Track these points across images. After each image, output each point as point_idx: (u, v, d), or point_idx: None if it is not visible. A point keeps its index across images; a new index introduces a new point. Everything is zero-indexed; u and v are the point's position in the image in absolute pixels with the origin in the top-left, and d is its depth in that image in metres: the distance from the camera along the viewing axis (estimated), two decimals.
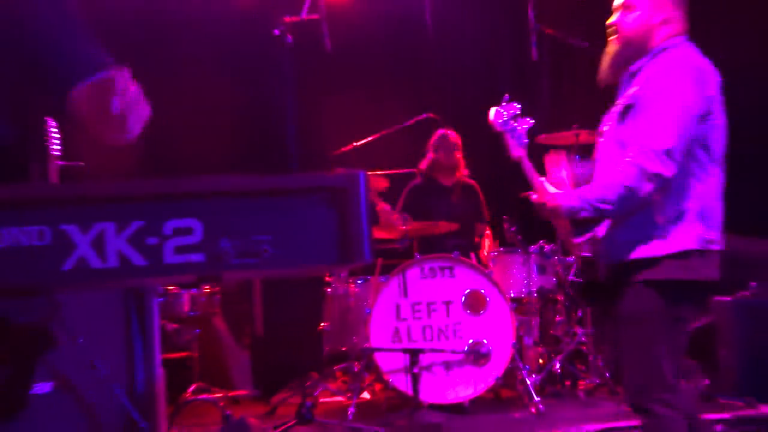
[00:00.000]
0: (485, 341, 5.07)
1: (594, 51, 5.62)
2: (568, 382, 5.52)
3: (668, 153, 2.86)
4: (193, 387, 5.78)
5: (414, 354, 4.71)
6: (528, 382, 4.99)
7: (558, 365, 5.42)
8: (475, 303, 5.14)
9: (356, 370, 5.33)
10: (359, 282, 5.53)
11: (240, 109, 6.55)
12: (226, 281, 5.66)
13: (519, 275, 5.51)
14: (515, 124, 3.20)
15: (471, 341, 5.07)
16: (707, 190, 3.02)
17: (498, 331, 5.10)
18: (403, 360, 4.86)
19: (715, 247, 3.00)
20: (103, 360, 3.40)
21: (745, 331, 5.00)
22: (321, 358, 5.72)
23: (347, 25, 5.88)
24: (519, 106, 3.19)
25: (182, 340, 5.89)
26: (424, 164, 5.97)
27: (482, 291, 5.15)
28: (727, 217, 3.06)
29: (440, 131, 5.93)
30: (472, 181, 6.08)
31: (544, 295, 5.49)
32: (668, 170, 2.86)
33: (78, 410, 3.36)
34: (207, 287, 5.86)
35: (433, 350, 4.97)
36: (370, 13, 6.78)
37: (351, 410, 4.94)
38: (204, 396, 5.78)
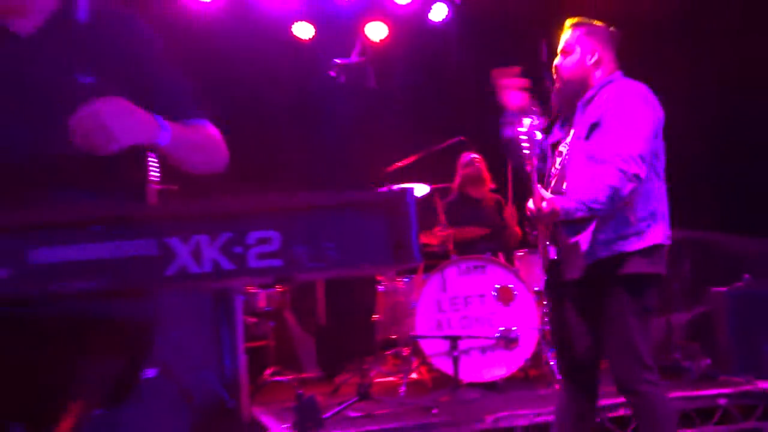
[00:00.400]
0: (514, 328, 5.04)
1: None
2: None
3: (641, 157, 2.90)
4: (269, 371, 5.83)
5: (454, 340, 4.72)
6: (552, 363, 4.95)
7: None
8: (504, 296, 5.12)
9: (405, 354, 5.35)
10: (405, 280, 5.55)
11: (307, 136, 6.60)
12: (297, 281, 5.72)
13: (541, 272, 5.46)
14: (536, 135, 3.13)
15: (502, 328, 5.04)
16: (663, 193, 3.08)
17: (525, 320, 5.07)
18: (444, 345, 4.86)
19: (669, 242, 3.07)
20: (197, 349, 3.45)
21: (740, 317, 4.95)
22: (375, 344, 5.74)
23: (387, 63, 5.91)
24: (543, 119, 3.17)
25: (260, 331, 5.96)
26: (456, 182, 5.96)
27: (510, 285, 5.13)
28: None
29: (467, 153, 5.91)
30: (497, 195, 6.05)
31: None
32: (643, 171, 2.90)
33: (177, 391, 3.41)
34: (280, 287, 5.91)
35: (469, 337, 4.97)
36: (406, 53, 6.80)
37: (402, 389, 4.96)
38: (278, 378, 5.83)
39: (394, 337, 5.54)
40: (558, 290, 3.19)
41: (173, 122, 1.82)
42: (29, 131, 1.75)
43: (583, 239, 2.99)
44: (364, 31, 6.56)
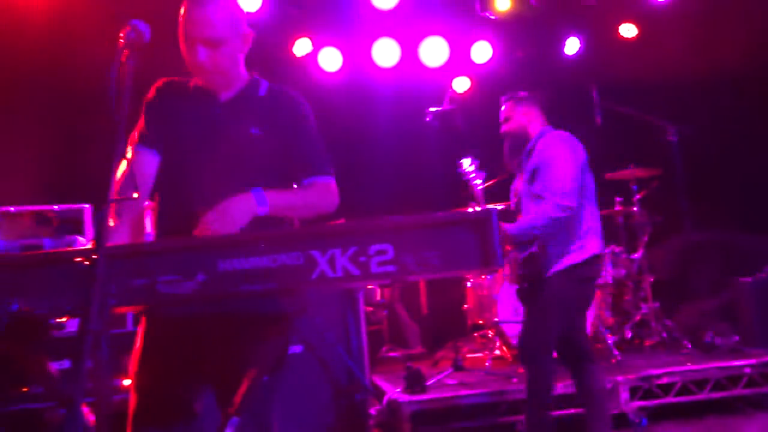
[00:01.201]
0: None
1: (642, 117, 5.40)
2: (636, 341, 5.23)
3: (572, 191, 3.01)
4: (384, 348, 5.90)
5: None
6: (609, 341, 4.78)
7: (629, 329, 5.17)
8: None
9: (489, 336, 5.29)
10: (488, 277, 5.47)
11: (407, 168, 6.64)
12: (407, 283, 5.78)
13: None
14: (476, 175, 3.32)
15: None
16: (595, 214, 3.15)
17: None
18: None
19: (604, 251, 3.29)
20: (331, 331, 3.57)
21: (762, 301, 4.85)
22: (466, 328, 5.71)
23: (472, 108, 5.87)
24: (477, 161, 3.33)
25: (376, 318, 6.03)
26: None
27: None
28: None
29: None
30: None
31: (617, 281, 5.25)
32: (574, 202, 3.01)
33: (317, 364, 3.53)
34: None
35: None
36: (486, 99, 6.73)
37: (487, 363, 4.90)
38: (391, 354, 5.89)
39: (480, 322, 5.48)
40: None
41: (300, 177, 1.97)
42: (212, 164, 1.90)
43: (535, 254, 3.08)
44: (452, 85, 6.59)
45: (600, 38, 6.58)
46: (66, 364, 2.85)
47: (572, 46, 6.57)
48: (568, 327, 3.14)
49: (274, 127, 1.94)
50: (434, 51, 6.53)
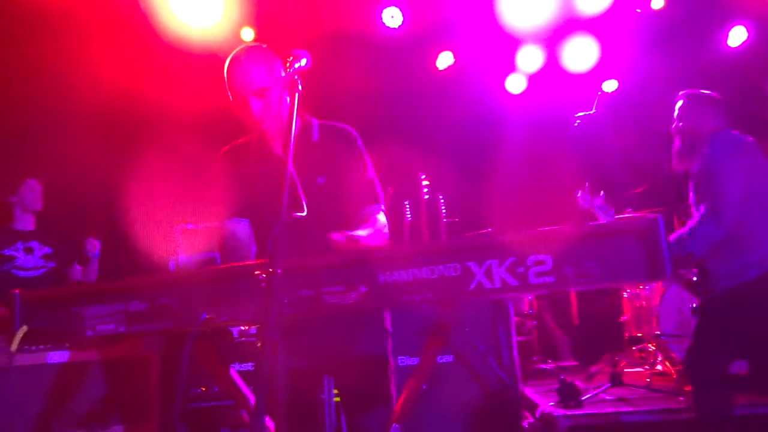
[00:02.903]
0: None
1: None
2: None
3: (728, 206, 2.79)
4: (534, 359, 5.74)
5: None
6: None
7: None
8: None
9: (650, 350, 4.94)
10: (647, 288, 5.13)
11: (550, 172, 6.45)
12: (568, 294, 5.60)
13: None
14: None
15: None
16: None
17: None
18: (686, 343, 4.41)
19: None
20: (482, 342, 3.55)
21: None
22: (622, 340, 5.39)
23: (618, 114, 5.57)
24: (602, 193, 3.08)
25: (525, 328, 5.90)
26: None
27: None
28: None
29: None
30: None
31: None
32: (728, 219, 2.78)
33: (468, 373, 3.53)
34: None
35: None
36: (630, 104, 6.37)
37: (648, 378, 4.58)
38: (542, 365, 5.72)
39: (639, 335, 5.15)
40: None
41: (355, 207, 2.07)
42: (294, 222, 2.01)
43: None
44: (601, 87, 6.31)
45: None
46: (245, 366, 3.14)
47: (737, 36, 6.00)
48: (755, 352, 2.89)
49: (335, 171, 2.06)
50: (580, 53, 6.30)
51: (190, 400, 3.17)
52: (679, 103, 3.17)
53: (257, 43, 2.10)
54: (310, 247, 1.98)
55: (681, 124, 3.13)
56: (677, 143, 3.14)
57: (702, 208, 2.83)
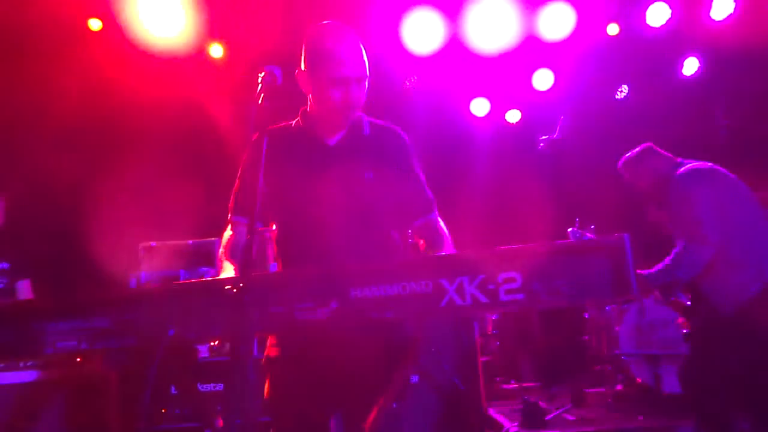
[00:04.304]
0: None
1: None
2: None
3: (702, 228, 2.86)
4: (497, 380, 5.76)
5: (654, 359, 4.37)
6: None
7: None
8: None
9: (610, 369, 5.02)
10: (608, 308, 5.24)
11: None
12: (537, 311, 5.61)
13: None
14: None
15: None
16: (757, 240, 2.93)
17: None
18: (646, 362, 4.51)
19: None
20: (446, 360, 3.54)
21: None
22: (584, 361, 5.46)
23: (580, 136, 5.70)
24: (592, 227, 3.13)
25: (487, 349, 5.92)
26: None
27: None
28: None
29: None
30: None
31: None
32: (707, 240, 2.83)
33: (432, 390, 3.50)
34: (502, 315, 5.85)
35: (668, 354, 4.55)
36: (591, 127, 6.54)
37: (609, 398, 4.66)
38: (505, 386, 5.74)
39: (600, 355, 5.24)
40: None
41: (412, 216, 2.05)
42: (331, 209, 1.95)
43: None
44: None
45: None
46: (210, 386, 3.05)
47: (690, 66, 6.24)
48: (749, 375, 2.85)
49: (384, 168, 2.00)
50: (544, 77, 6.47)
51: (152, 422, 3.08)
52: (625, 175, 3.24)
53: (348, 25, 1.98)
54: (353, 242, 1.92)
55: (642, 187, 3.20)
56: (648, 200, 3.23)
57: (682, 238, 2.88)
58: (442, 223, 2.08)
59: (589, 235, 3.18)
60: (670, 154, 3.16)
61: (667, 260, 2.92)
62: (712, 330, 2.89)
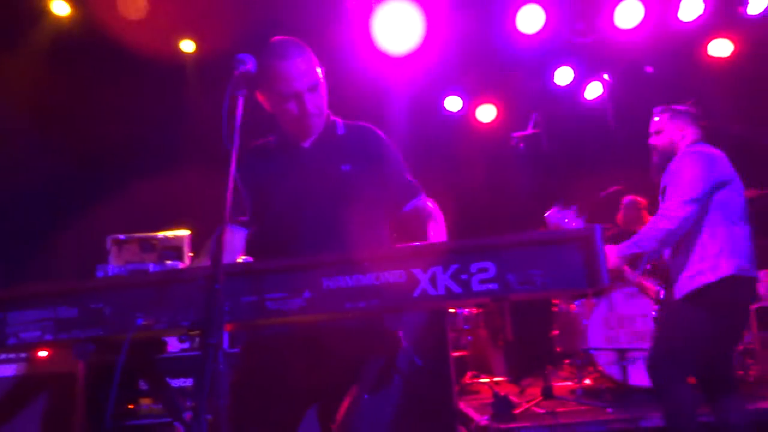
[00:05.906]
0: None
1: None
2: (740, 372, 4.88)
3: (685, 203, 2.84)
4: (468, 374, 5.80)
5: (621, 352, 4.44)
6: None
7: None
8: None
9: (579, 363, 5.09)
10: (577, 303, 5.31)
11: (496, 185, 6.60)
12: (510, 301, 5.62)
13: None
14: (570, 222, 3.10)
15: None
16: (738, 234, 2.91)
17: None
18: (613, 356, 4.59)
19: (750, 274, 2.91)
20: (421, 355, 3.54)
21: None
22: (554, 354, 5.52)
23: (559, 130, 5.76)
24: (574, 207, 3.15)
25: (460, 343, 5.95)
26: (619, 219, 5.64)
27: None
28: None
29: (629, 196, 5.57)
30: None
31: None
32: (682, 213, 2.83)
33: (405, 386, 3.50)
34: (474, 310, 5.89)
35: (635, 349, 4.64)
36: (565, 123, 6.62)
37: (578, 391, 4.72)
38: (476, 380, 5.78)
39: (569, 349, 5.30)
40: None
41: (400, 204, 2.08)
42: (311, 204, 1.97)
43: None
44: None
45: None
46: (180, 381, 3.00)
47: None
48: (708, 354, 2.91)
49: (362, 161, 2.01)
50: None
51: (118, 418, 3.01)
52: (656, 118, 3.17)
53: (293, 38, 1.99)
54: (334, 235, 1.92)
55: (657, 139, 3.15)
56: (655, 158, 3.17)
57: (659, 210, 2.90)
58: (431, 204, 2.10)
59: (570, 215, 3.16)
60: (700, 132, 3.11)
61: (638, 232, 2.96)
62: (669, 312, 2.97)
